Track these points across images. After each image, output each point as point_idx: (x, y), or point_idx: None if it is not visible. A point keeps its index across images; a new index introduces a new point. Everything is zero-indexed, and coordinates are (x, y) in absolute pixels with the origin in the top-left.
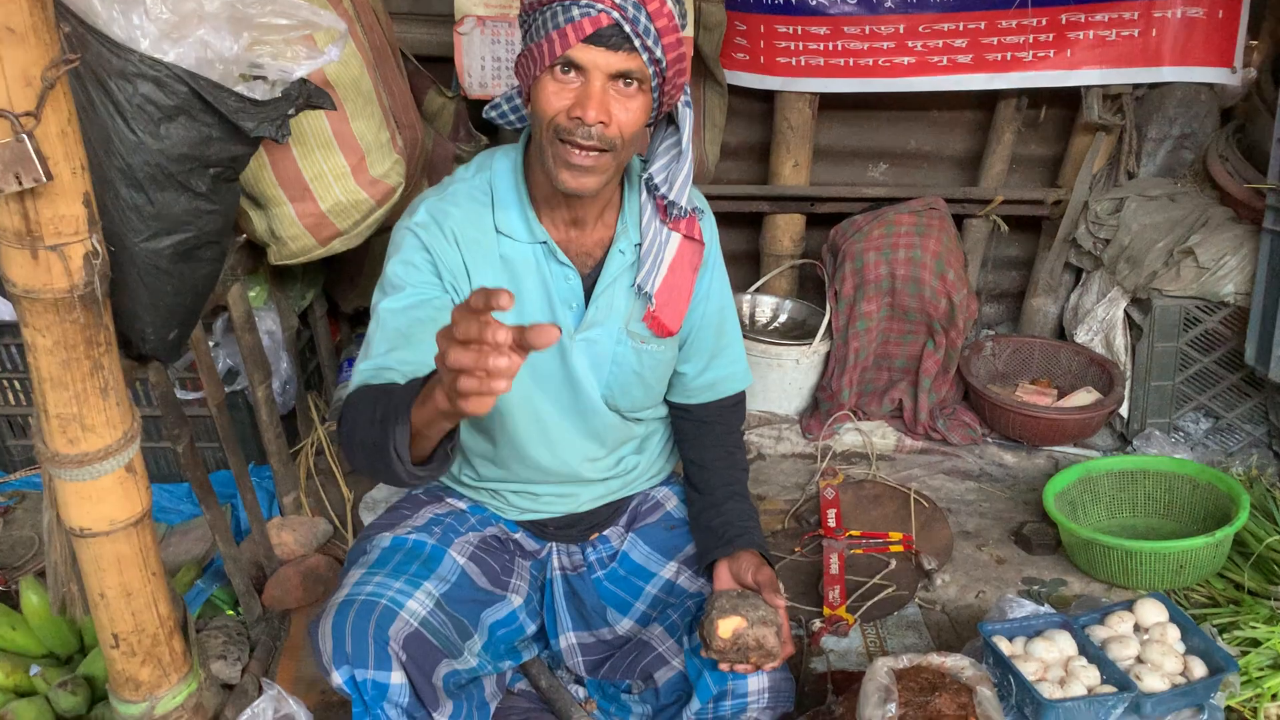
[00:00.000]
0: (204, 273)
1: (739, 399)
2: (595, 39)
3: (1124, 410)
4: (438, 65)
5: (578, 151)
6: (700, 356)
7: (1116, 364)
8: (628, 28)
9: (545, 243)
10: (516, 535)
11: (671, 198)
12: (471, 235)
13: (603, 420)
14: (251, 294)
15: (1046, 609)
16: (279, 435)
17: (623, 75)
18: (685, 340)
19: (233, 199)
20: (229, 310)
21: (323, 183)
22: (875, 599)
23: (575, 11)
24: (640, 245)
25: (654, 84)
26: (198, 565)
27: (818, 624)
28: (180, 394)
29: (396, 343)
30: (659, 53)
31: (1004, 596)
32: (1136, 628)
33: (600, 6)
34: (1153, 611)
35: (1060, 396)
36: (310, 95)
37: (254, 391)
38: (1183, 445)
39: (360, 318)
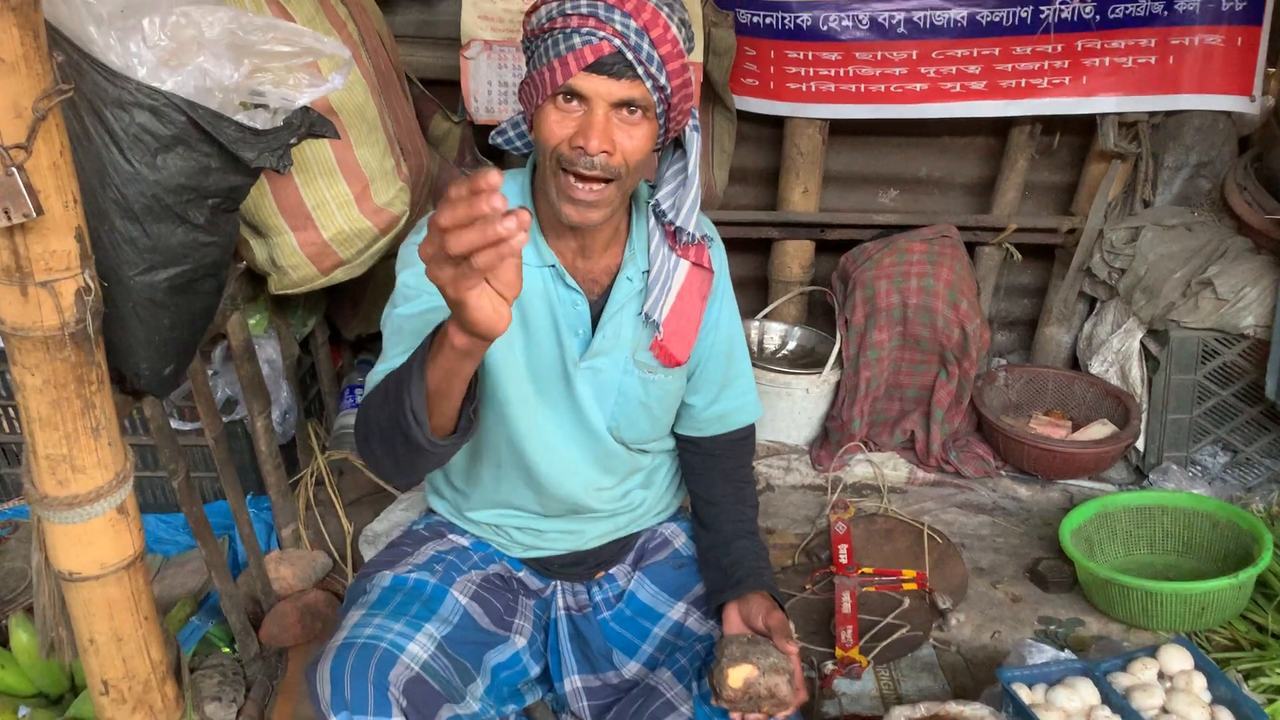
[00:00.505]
0: (202, 306)
1: (749, 432)
2: (597, 67)
3: (1140, 443)
4: (443, 89)
5: (581, 185)
6: (709, 387)
7: (1132, 396)
8: (630, 55)
9: (554, 266)
10: (520, 574)
11: (679, 224)
12: None
13: (608, 449)
14: (251, 322)
15: (1067, 654)
16: (278, 466)
17: (626, 103)
18: (694, 371)
19: (232, 230)
20: (228, 339)
21: (325, 211)
22: (889, 640)
23: (576, 39)
24: (648, 273)
25: (659, 111)
26: (193, 600)
27: (830, 666)
28: (176, 424)
29: (412, 344)
30: (663, 80)
31: (1023, 641)
32: (1160, 675)
33: (602, 34)
34: (1177, 658)
35: (1075, 428)
36: (313, 123)
37: (253, 422)
38: (1200, 480)
39: (363, 344)
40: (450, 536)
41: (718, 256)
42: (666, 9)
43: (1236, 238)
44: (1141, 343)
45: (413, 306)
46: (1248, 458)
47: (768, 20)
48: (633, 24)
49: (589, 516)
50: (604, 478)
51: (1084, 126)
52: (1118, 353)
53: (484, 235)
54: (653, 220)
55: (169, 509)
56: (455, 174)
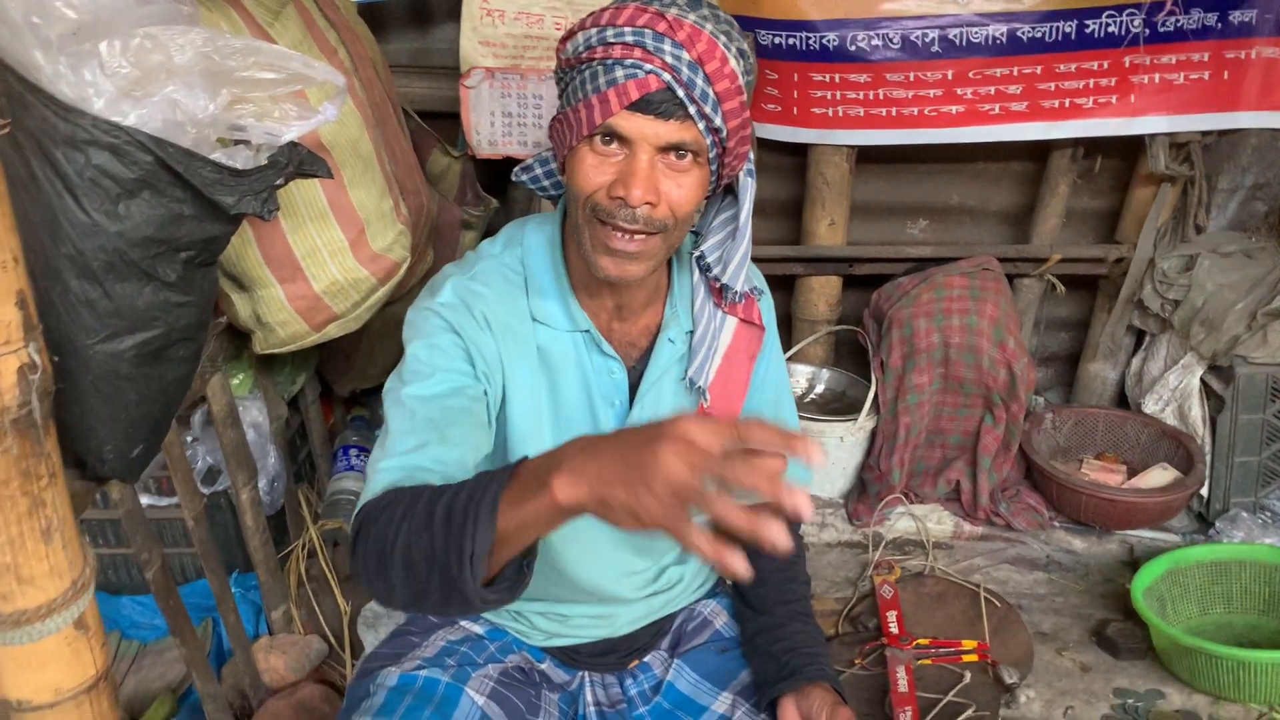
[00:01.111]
0: (175, 375)
1: None
2: (642, 105)
3: (1204, 489)
4: (441, 122)
5: (619, 235)
6: None
7: (1193, 438)
8: (681, 92)
9: (588, 331)
10: (543, 665)
11: (725, 280)
12: (505, 321)
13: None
14: (234, 382)
15: None
16: (266, 542)
17: (675, 147)
18: None
19: (210, 287)
20: (208, 403)
21: (317, 260)
22: None
23: (619, 72)
24: (692, 333)
25: (712, 155)
26: (173, 697)
27: None
28: (150, 499)
29: (429, 437)
30: (718, 120)
31: None
32: None
33: (649, 67)
34: None
35: (1130, 473)
36: (302, 161)
37: (237, 494)
38: (1272, 528)
39: (356, 399)
40: (463, 623)
41: (767, 310)
42: (724, 37)
43: None
44: (1202, 380)
45: (427, 387)
46: None
47: (790, 41)
48: (685, 56)
49: (621, 601)
50: (638, 561)
51: (1127, 148)
52: (1175, 390)
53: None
54: (697, 274)
55: (144, 590)
56: (457, 214)
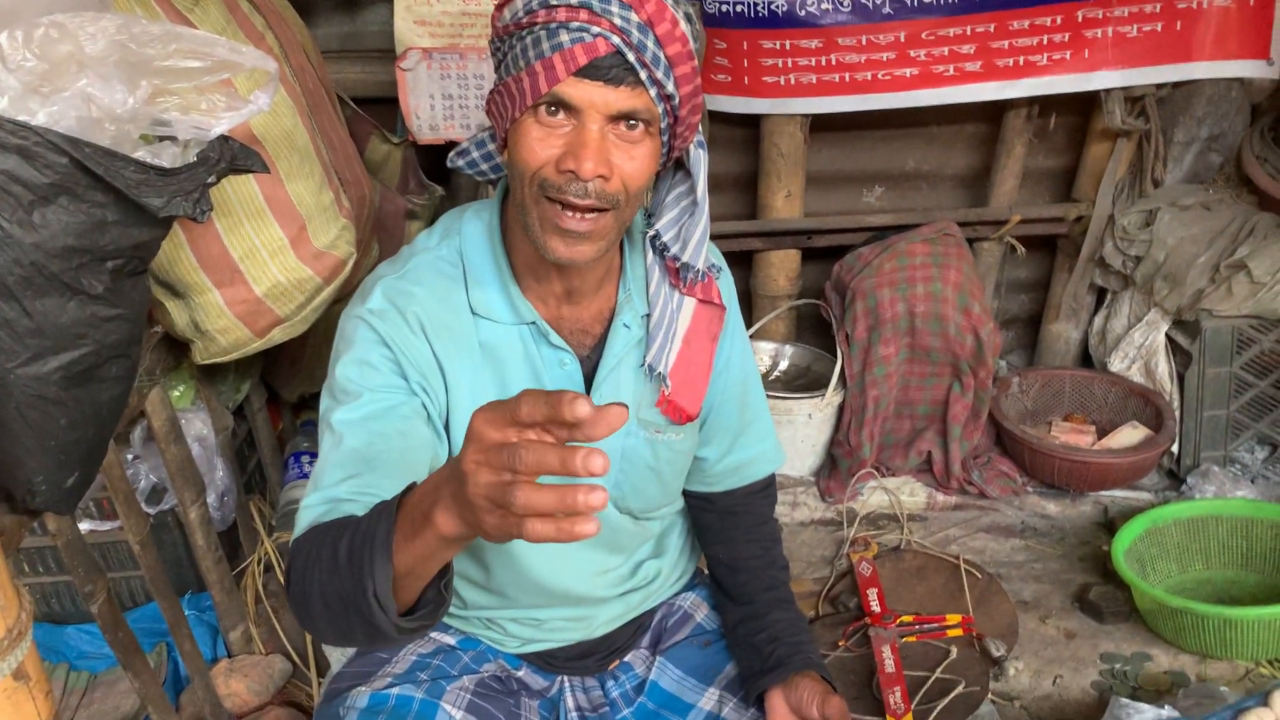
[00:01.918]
0: (109, 395)
1: (769, 482)
2: (591, 71)
3: (1174, 445)
4: (378, 107)
5: (570, 214)
6: (723, 437)
7: (1160, 394)
8: (632, 56)
9: (534, 323)
10: (520, 672)
11: (685, 259)
12: (442, 320)
13: (612, 526)
14: (175, 394)
15: (1169, 712)
16: (219, 560)
17: (625, 116)
18: (705, 420)
19: (142, 297)
20: (148, 418)
21: (256, 261)
22: (945, 701)
23: (564, 36)
24: (649, 317)
25: (664, 124)
26: None
27: None
28: (92, 525)
29: (355, 467)
30: (670, 86)
31: (1117, 701)
32: None
33: (596, 29)
34: None
35: (1100, 433)
36: (235, 156)
37: (185, 513)
38: (1243, 479)
39: (305, 402)
40: (433, 635)
41: (727, 289)
42: (671, 0)
43: (1261, 214)
44: (1167, 335)
45: (355, 409)
46: None
47: (738, 8)
48: (634, 17)
49: (597, 602)
50: (609, 558)
51: (1082, 105)
52: (1140, 348)
53: (562, 501)
54: (650, 254)
55: (93, 617)
56: (400, 204)
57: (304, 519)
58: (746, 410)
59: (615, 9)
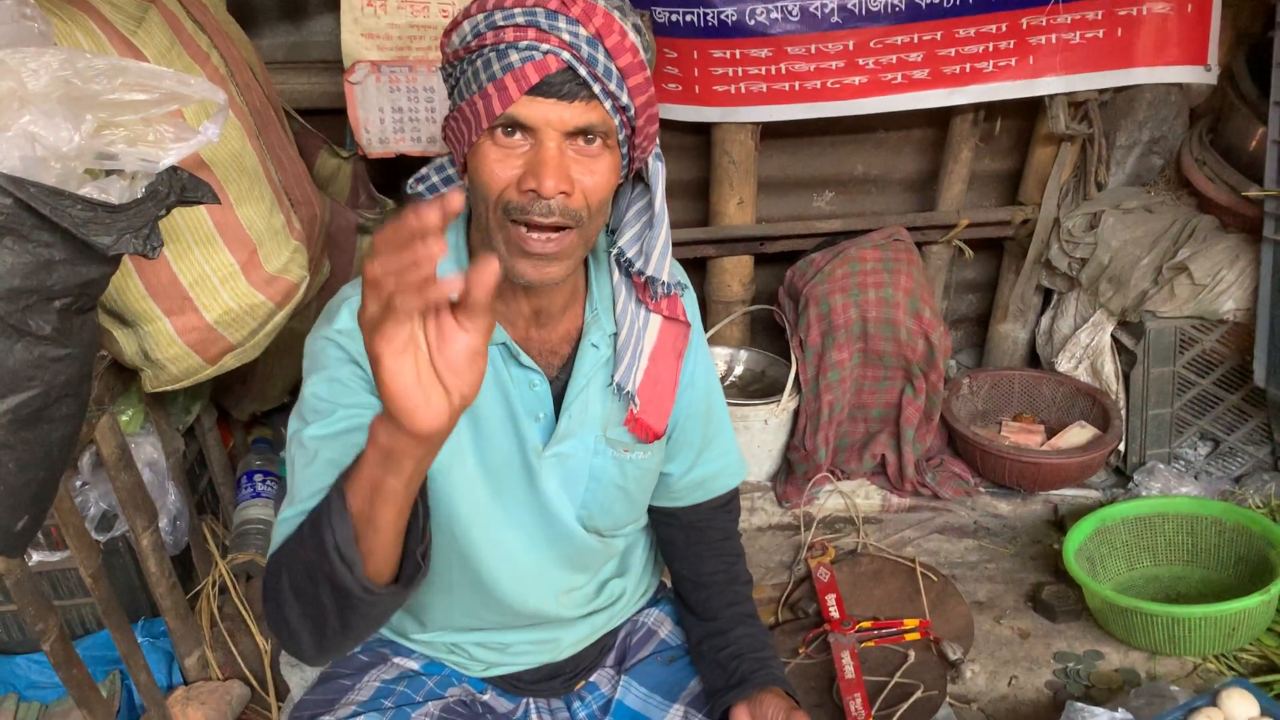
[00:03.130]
0: (59, 435)
1: (732, 496)
2: (543, 89)
3: (1120, 444)
4: (325, 119)
5: (535, 236)
6: (687, 452)
7: (1107, 393)
8: (584, 70)
9: (504, 344)
10: (485, 696)
11: (650, 272)
12: None
13: (578, 545)
14: (124, 419)
15: (1122, 714)
16: (173, 587)
17: (582, 131)
18: (670, 436)
19: (91, 334)
20: (97, 445)
21: (206, 288)
22: (903, 707)
23: (514, 56)
24: (616, 335)
25: (622, 136)
26: None
27: None
28: (42, 555)
29: (331, 478)
30: (624, 98)
31: (1072, 706)
32: None
33: (546, 46)
34: (1241, 705)
35: (1049, 432)
36: (185, 188)
37: (137, 539)
38: (1186, 475)
39: (256, 420)
40: (396, 660)
41: (690, 305)
42: (618, 12)
43: (1201, 216)
44: (1113, 336)
45: (328, 425)
46: (1230, 447)
47: (688, 17)
48: (583, 31)
49: (561, 622)
50: (574, 577)
51: (1027, 109)
52: (1087, 348)
53: (399, 261)
54: (617, 273)
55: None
56: (351, 219)
57: (279, 533)
58: (710, 425)
59: (563, 25)
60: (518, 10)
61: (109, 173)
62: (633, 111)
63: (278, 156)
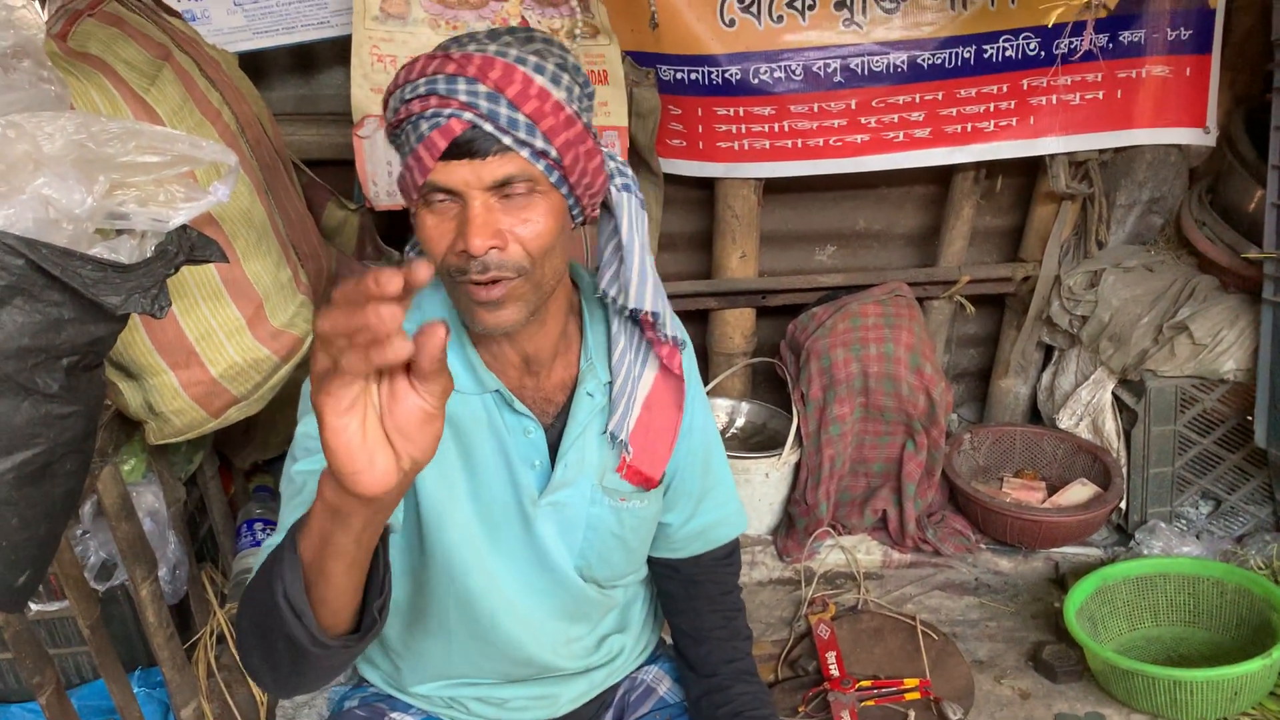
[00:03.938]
0: (63, 491)
1: (733, 548)
2: (454, 151)
3: (1121, 502)
4: (332, 170)
5: (481, 288)
6: (686, 502)
7: (1108, 451)
8: (489, 126)
9: (497, 391)
10: None
11: (632, 304)
12: None
13: (575, 595)
14: (126, 468)
15: None
16: (170, 637)
17: (502, 184)
18: (668, 486)
19: (98, 391)
20: (99, 495)
21: (212, 342)
22: None
23: (424, 126)
24: (612, 384)
25: (554, 179)
26: None
27: None
28: (40, 606)
29: None
30: (540, 143)
31: None
32: None
33: (448, 111)
34: None
35: (1050, 489)
36: (194, 247)
37: (136, 590)
38: (1188, 535)
39: (258, 468)
40: (393, 716)
41: (688, 361)
42: (535, 58)
43: (1201, 276)
44: (1114, 393)
45: (315, 461)
46: (1232, 506)
47: (693, 76)
48: (481, 88)
49: (560, 677)
50: (573, 628)
51: (1027, 168)
52: (1088, 405)
53: (351, 322)
54: (616, 323)
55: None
56: (357, 269)
57: (257, 561)
58: (708, 475)
59: (460, 86)
60: (421, 81)
61: (119, 232)
62: (555, 154)
63: (285, 210)
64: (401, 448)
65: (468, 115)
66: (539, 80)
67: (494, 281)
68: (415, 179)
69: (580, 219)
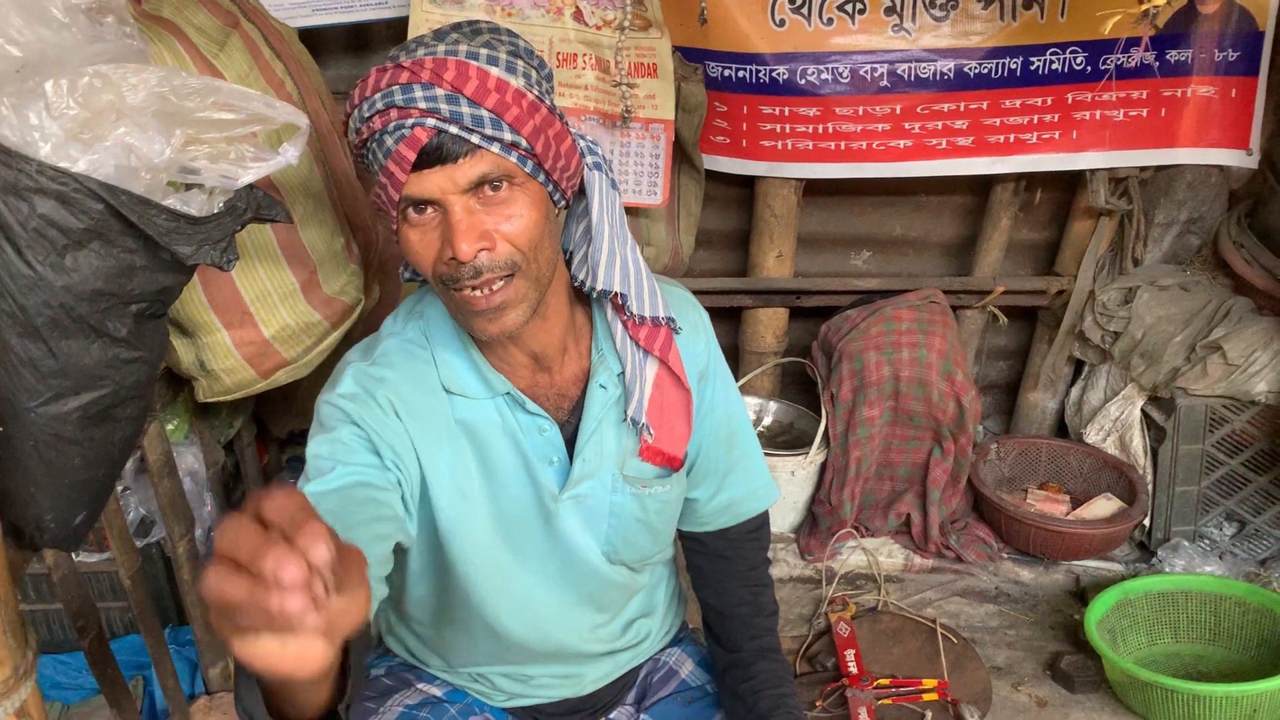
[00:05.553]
0: (122, 436)
1: (761, 522)
2: (424, 160)
3: (1145, 519)
4: None
5: (477, 295)
6: (712, 478)
7: (1134, 467)
8: (454, 129)
9: (508, 394)
10: None
11: (600, 286)
12: (416, 402)
13: (602, 581)
14: (170, 427)
15: None
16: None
17: (478, 184)
18: (693, 463)
19: (161, 340)
20: (143, 451)
21: (267, 304)
22: None
23: (389, 140)
24: (623, 374)
25: (529, 169)
26: None
27: None
28: (80, 557)
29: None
30: (509, 136)
31: None
32: None
33: (410, 121)
34: None
35: (1074, 502)
36: (260, 206)
37: (174, 547)
38: (1211, 555)
39: (293, 438)
40: (419, 686)
41: (703, 325)
42: (486, 50)
43: (1237, 298)
44: (1143, 410)
45: (327, 482)
46: (1256, 529)
47: (740, 74)
48: (439, 91)
49: (586, 658)
50: (598, 615)
51: (1066, 182)
52: (1116, 421)
53: (251, 595)
54: (610, 308)
55: (66, 647)
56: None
57: None
58: (734, 449)
59: (418, 93)
60: (377, 96)
61: (189, 187)
62: (527, 145)
63: (339, 182)
64: (329, 635)
65: (431, 121)
66: (495, 72)
67: (489, 285)
68: (391, 195)
69: (562, 203)
